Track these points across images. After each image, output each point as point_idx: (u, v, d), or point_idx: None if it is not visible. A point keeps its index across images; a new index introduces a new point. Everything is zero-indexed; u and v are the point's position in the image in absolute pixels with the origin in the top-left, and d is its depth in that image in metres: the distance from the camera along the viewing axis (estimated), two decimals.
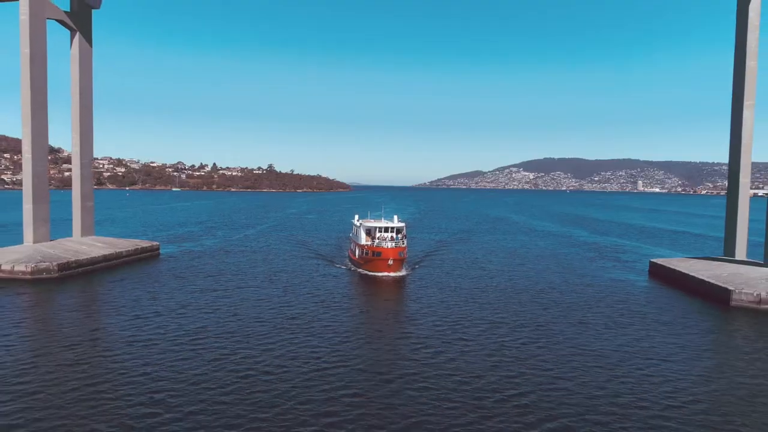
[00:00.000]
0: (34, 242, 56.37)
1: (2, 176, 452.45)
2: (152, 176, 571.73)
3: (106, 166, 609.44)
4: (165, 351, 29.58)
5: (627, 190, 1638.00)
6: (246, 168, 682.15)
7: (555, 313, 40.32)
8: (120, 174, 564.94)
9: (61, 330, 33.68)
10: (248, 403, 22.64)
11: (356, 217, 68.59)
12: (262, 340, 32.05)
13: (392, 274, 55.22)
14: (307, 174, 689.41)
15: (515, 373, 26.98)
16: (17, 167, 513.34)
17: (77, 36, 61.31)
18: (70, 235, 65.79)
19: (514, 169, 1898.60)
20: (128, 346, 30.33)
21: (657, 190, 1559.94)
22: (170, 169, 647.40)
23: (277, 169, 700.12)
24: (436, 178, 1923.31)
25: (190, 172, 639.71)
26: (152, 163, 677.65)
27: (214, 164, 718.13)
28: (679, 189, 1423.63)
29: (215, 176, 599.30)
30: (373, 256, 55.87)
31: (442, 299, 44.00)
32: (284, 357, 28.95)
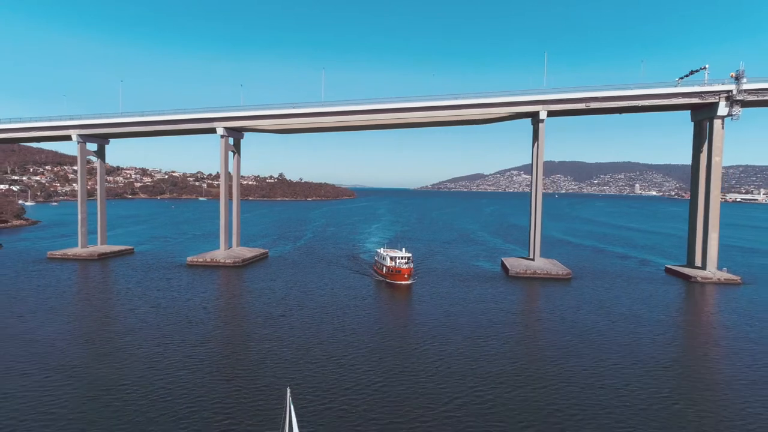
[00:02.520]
0: (224, 250, 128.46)
1: (56, 188, 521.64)
2: (178, 186, 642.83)
3: (133, 176, 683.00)
4: (297, 299, 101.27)
5: (625, 193, 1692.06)
6: (258, 176, 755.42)
7: (436, 284, 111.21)
8: (149, 184, 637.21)
9: (256, 286, 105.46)
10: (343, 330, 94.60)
11: (382, 249, 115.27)
12: (348, 311, 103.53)
13: (405, 282, 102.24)
14: (315, 182, 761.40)
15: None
16: (61, 180, 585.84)
17: (236, 156, 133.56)
18: (230, 244, 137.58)
19: (515, 172, 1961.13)
20: (288, 293, 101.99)
21: (654, 193, 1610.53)
22: (191, 179, 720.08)
23: (287, 176, 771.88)
24: (438, 181, 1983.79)
25: (210, 181, 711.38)
26: (173, 172, 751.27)
27: (229, 172, 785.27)
28: (673, 193, 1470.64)
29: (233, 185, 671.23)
30: (395, 272, 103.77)
31: (433, 294, 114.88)
32: (353, 320, 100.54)
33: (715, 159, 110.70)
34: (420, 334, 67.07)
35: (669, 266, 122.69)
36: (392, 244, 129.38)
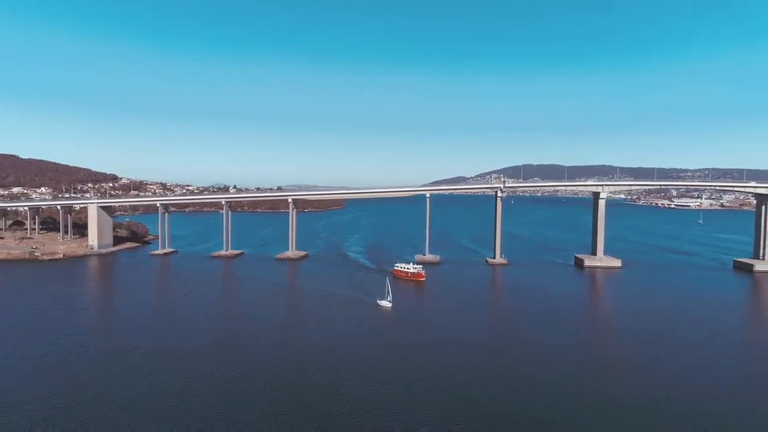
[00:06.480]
0: (291, 251, 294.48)
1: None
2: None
3: (156, 191, 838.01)
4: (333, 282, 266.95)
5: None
6: (260, 188, 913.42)
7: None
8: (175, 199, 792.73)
9: (310, 270, 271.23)
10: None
11: (401, 264, 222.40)
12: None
13: (423, 278, 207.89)
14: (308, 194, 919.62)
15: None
16: (103, 196, 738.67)
17: (294, 209, 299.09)
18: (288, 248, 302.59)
19: (495, 176, 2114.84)
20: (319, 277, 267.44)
21: (622, 197, 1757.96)
22: (205, 193, 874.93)
23: (284, 188, 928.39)
24: (420, 184, 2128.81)
25: (221, 195, 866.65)
26: (188, 186, 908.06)
27: (235, 186, 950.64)
28: (635, 197, 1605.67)
29: (243, 200, 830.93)
30: (417, 274, 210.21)
31: (439, 283, 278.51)
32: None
33: (498, 212, 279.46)
34: (432, 285, 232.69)
35: (489, 259, 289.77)
36: (377, 252, 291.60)
